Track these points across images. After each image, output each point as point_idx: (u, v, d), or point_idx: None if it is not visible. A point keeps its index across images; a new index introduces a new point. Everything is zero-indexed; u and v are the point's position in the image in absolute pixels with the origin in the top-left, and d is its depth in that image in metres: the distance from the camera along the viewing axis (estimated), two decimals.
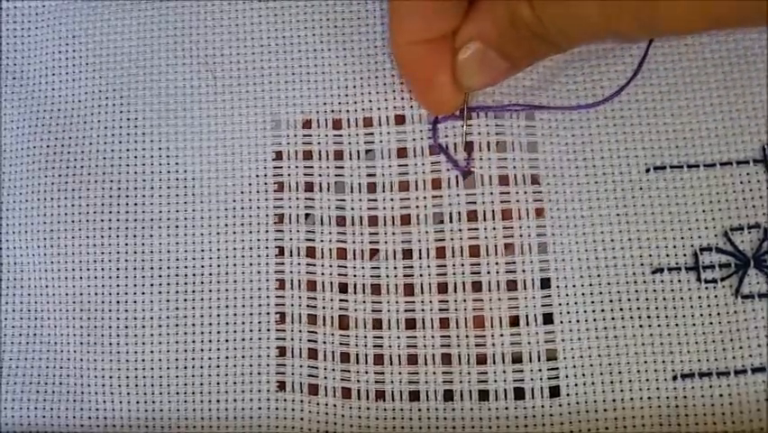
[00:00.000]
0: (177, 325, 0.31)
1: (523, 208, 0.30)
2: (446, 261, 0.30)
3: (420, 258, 0.31)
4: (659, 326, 0.30)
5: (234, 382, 0.31)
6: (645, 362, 0.29)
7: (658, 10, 0.24)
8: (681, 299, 0.30)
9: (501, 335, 0.30)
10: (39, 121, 0.33)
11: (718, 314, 0.29)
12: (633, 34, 0.28)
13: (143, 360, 0.31)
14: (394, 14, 0.29)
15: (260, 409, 0.30)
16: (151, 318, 0.31)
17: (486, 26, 0.27)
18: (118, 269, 0.32)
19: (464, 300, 0.30)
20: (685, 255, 0.30)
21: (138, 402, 0.31)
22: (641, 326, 0.30)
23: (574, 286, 0.30)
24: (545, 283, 0.30)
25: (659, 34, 0.30)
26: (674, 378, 0.29)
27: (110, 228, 0.32)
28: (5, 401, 0.32)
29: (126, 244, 0.32)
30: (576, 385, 0.29)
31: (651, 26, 0.25)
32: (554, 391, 0.29)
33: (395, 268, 0.31)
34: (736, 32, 0.31)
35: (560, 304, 0.30)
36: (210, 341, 0.31)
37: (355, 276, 0.31)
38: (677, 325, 0.30)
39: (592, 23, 0.25)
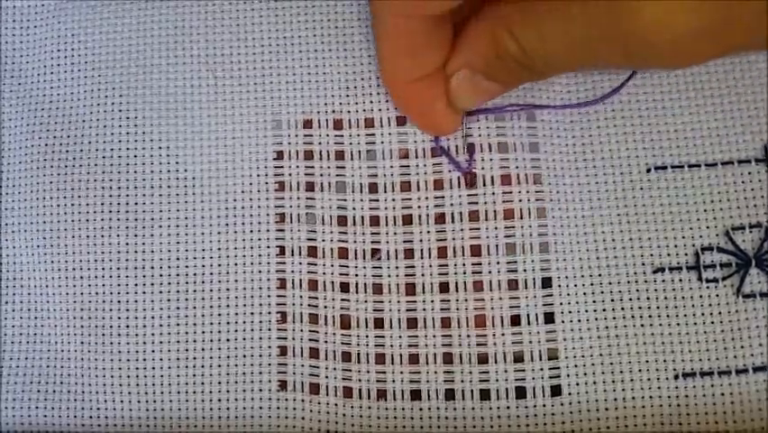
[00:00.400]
0: (178, 324, 0.31)
1: (525, 208, 0.30)
2: (448, 260, 0.30)
3: (422, 258, 0.31)
4: (660, 325, 0.30)
5: (236, 382, 0.31)
6: (647, 361, 0.29)
7: (640, 41, 0.24)
8: (683, 298, 0.30)
9: (503, 334, 0.30)
10: (38, 120, 0.33)
11: (720, 313, 0.29)
12: (620, 65, 0.28)
13: (144, 359, 0.31)
14: (382, 59, 0.30)
15: (261, 408, 0.30)
16: (152, 318, 0.31)
17: (473, 58, 0.28)
18: (119, 268, 0.32)
19: (466, 300, 0.30)
20: (686, 255, 0.30)
21: (139, 402, 0.31)
22: (642, 325, 0.30)
23: (576, 285, 0.30)
24: (547, 282, 0.30)
25: (646, 67, 0.30)
26: (676, 377, 0.29)
27: (110, 228, 0.32)
28: (6, 401, 0.31)
29: (127, 244, 0.32)
30: (577, 384, 0.29)
31: (638, 61, 0.26)
32: (556, 391, 0.29)
33: (396, 268, 0.31)
34: None
35: (561, 303, 0.30)
36: (211, 340, 0.31)
37: (357, 276, 0.31)
38: (678, 324, 0.30)
39: (577, 55, 0.26)
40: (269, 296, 0.31)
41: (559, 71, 0.29)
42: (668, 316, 0.30)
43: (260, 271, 0.31)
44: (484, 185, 0.31)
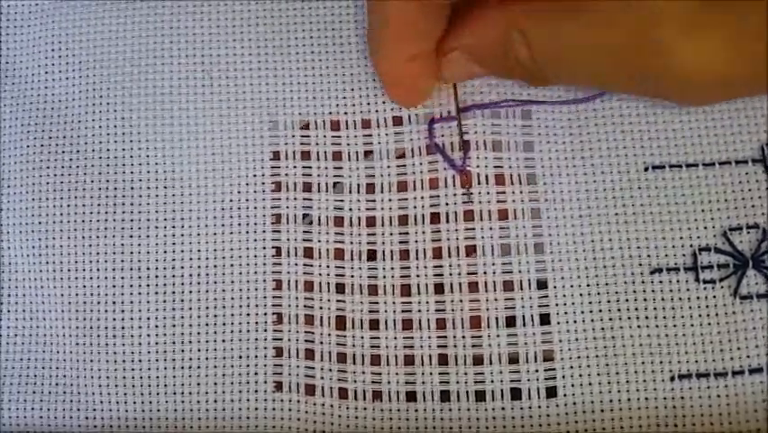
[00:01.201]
0: (173, 325, 0.31)
1: (519, 208, 0.30)
2: (443, 261, 0.30)
3: (417, 258, 0.30)
4: (657, 326, 0.29)
5: (231, 383, 0.31)
6: (643, 362, 0.29)
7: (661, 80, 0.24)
8: (680, 299, 0.30)
9: (498, 335, 0.30)
10: (33, 120, 0.33)
11: (717, 314, 0.29)
12: (629, 89, 0.28)
13: (140, 360, 0.31)
14: (374, 41, 0.29)
15: (256, 409, 0.30)
16: (148, 319, 0.31)
17: (475, 47, 0.27)
18: (114, 269, 0.32)
19: (461, 301, 0.30)
20: (684, 255, 0.30)
21: (135, 403, 0.31)
22: (639, 326, 0.30)
23: (571, 286, 0.30)
24: (542, 283, 0.30)
25: (658, 98, 0.30)
26: (672, 379, 0.29)
27: (106, 228, 0.32)
28: (2, 402, 0.31)
29: (122, 245, 0.32)
30: (573, 386, 0.29)
31: (651, 91, 0.26)
32: (551, 392, 0.29)
33: (392, 268, 0.31)
34: None
35: (557, 304, 0.30)
36: (207, 341, 0.31)
37: (352, 276, 0.31)
38: (675, 325, 0.29)
39: (589, 70, 0.25)
40: (264, 297, 0.31)
41: (565, 84, 0.28)
42: (665, 317, 0.29)
43: (255, 273, 0.31)
44: (479, 184, 0.31)
